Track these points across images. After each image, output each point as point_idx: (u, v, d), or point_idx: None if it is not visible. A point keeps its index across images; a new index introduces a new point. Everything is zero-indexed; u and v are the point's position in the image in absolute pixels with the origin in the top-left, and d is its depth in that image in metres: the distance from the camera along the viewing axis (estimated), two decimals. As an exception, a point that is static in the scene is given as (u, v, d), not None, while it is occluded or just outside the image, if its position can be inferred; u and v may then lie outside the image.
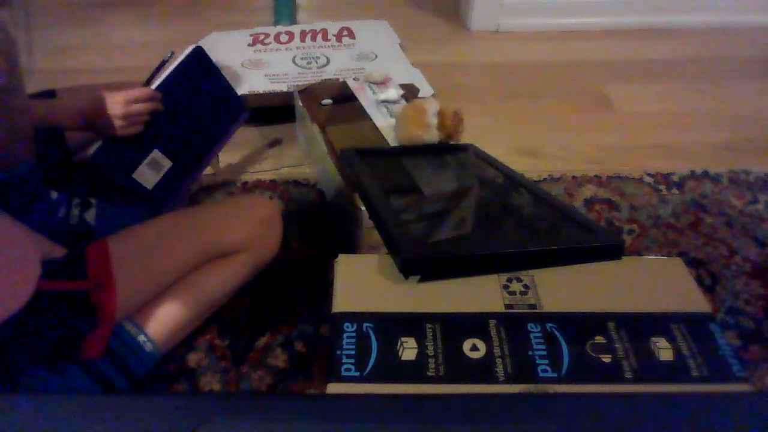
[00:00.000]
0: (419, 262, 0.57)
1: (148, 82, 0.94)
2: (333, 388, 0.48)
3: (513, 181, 0.86)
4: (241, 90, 1.19)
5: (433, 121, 0.90)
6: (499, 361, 0.50)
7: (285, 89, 1.19)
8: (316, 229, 0.98)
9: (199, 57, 0.96)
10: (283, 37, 1.43)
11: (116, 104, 0.84)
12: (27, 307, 0.58)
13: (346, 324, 0.53)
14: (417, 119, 0.92)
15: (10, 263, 0.59)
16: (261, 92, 1.20)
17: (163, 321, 0.70)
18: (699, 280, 0.90)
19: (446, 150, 0.95)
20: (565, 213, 0.75)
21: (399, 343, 0.51)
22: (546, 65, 1.54)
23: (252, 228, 0.77)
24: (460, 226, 0.79)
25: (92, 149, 0.86)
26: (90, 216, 0.83)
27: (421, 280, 0.57)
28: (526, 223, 0.78)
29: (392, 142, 0.96)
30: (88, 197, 0.86)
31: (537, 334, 0.52)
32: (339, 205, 0.96)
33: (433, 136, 0.92)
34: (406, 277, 0.57)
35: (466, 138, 0.99)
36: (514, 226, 0.79)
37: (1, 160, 0.73)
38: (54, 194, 0.80)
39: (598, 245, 0.64)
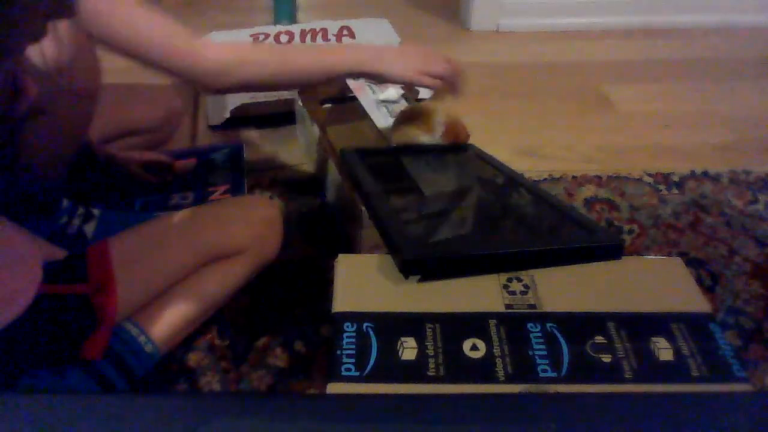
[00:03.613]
0: (419, 262, 0.57)
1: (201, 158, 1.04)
2: (333, 388, 0.48)
3: (513, 181, 0.86)
4: (242, 97, 1.19)
5: (439, 126, 0.91)
6: (499, 361, 0.50)
7: (286, 95, 1.19)
8: (316, 229, 0.98)
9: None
10: (283, 38, 1.43)
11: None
12: (28, 311, 0.58)
13: (346, 324, 0.53)
14: (421, 121, 0.92)
15: (12, 268, 0.59)
16: (262, 100, 1.20)
17: (164, 322, 0.70)
18: (699, 280, 0.90)
19: (446, 150, 0.95)
20: (565, 213, 0.75)
21: (399, 343, 0.51)
22: (546, 65, 1.54)
23: (253, 229, 0.77)
24: (460, 226, 0.79)
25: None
26: (89, 228, 0.84)
27: (421, 280, 0.57)
28: (526, 223, 0.78)
29: (372, 115, 0.96)
30: (92, 207, 0.86)
31: (537, 334, 0.52)
32: (339, 205, 0.96)
33: (433, 139, 0.92)
34: (406, 277, 0.57)
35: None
36: (514, 226, 0.79)
37: (33, 176, 0.73)
38: (65, 202, 0.80)
39: (598, 245, 0.64)
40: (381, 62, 0.79)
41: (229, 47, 0.76)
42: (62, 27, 0.67)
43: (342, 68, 0.79)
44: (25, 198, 0.74)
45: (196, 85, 0.74)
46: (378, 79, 0.80)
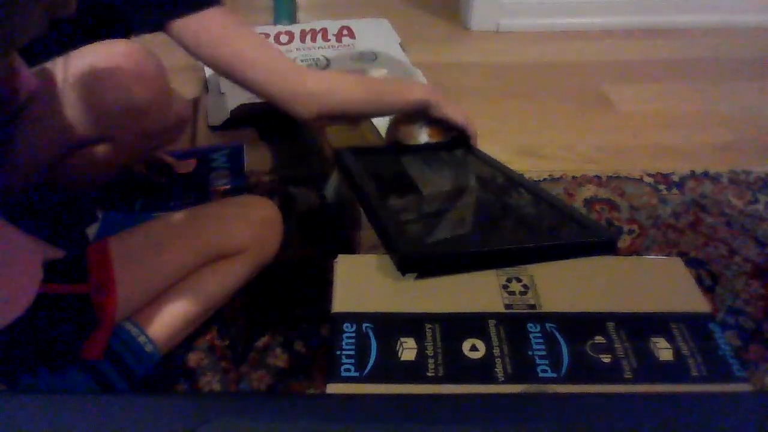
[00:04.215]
0: (416, 259, 0.57)
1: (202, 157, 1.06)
2: (333, 388, 0.48)
3: (507, 177, 0.86)
4: (241, 98, 1.19)
5: (423, 132, 0.92)
6: (498, 361, 0.50)
7: None
8: (316, 229, 0.98)
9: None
10: (283, 38, 1.43)
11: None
12: (28, 310, 0.58)
13: (345, 324, 0.53)
14: (412, 123, 0.93)
15: (13, 268, 0.59)
16: (262, 100, 1.20)
17: (164, 322, 0.70)
18: (699, 280, 0.90)
19: (441, 148, 0.95)
20: (558, 209, 0.75)
21: (398, 344, 0.51)
22: (546, 65, 1.54)
23: (252, 229, 0.77)
24: (457, 224, 0.79)
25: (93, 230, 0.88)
26: (91, 231, 0.84)
27: (418, 278, 0.57)
28: (521, 220, 0.78)
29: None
30: (95, 209, 0.86)
31: (537, 334, 0.52)
32: (339, 205, 0.96)
33: (420, 141, 0.93)
34: (404, 274, 0.57)
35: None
36: (509, 223, 0.79)
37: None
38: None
39: (592, 240, 0.65)
40: (441, 100, 0.87)
41: (324, 75, 0.84)
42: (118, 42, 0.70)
43: (409, 105, 0.87)
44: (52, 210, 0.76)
45: (289, 109, 0.77)
46: (436, 116, 0.88)
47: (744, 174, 1.12)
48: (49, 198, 0.79)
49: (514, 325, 0.53)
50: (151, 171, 1.01)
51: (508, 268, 0.59)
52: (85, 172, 0.79)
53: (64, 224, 0.78)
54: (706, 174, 1.12)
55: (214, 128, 1.22)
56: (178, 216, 0.76)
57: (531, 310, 0.55)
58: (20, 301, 0.58)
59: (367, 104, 0.83)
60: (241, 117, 1.20)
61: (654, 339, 0.52)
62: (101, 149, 0.76)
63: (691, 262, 0.93)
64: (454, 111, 0.89)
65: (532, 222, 0.77)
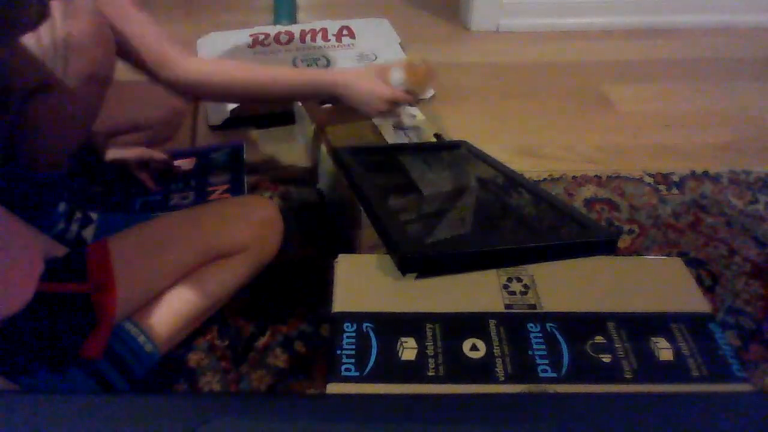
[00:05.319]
0: (416, 258, 0.58)
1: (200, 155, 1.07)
2: (333, 388, 0.48)
3: (507, 177, 0.86)
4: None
5: (397, 77, 0.89)
6: (499, 361, 0.50)
7: None
8: (316, 229, 0.98)
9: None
10: (283, 38, 1.43)
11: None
12: (27, 308, 0.58)
13: (346, 324, 0.53)
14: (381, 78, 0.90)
15: (13, 261, 0.59)
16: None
17: (164, 321, 0.70)
18: (699, 280, 0.90)
19: (439, 147, 0.95)
20: (558, 208, 0.75)
21: (399, 343, 0.51)
22: (546, 65, 1.54)
23: (252, 229, 0.77)
24: (457, 224, 0.79)
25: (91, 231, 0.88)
26: (88, 233, 0.83)
27: (419, 277, 0.57)
28: (521, 220, 0.79)
29: (390, 139, 0.96)
30: (89, 211, 0.85)
31: (537, 334, 0.52)
32: (339, 205, 0.96)
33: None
34: (404, 273, 0.57)
35: (467, 138, 0.99)
36: (508, 222, 0.79)
37: (36, 165, 0.74)
38: (62, 206, 0.80)
39: (592, 240, 0.65)
40: (356, 79, 0.86)
41: (209, 62, 0.88)
42: (82, 8, 0.68)
43: (315, 90, 0.89)
44: (23, 197, 0.74)
45: (172, 91, 0.82)
46: (348, 102, 0.88)
47: (744, 174, 1.12)
48: (14, 181, 0.76)
49: (514, 325, 0.53)
50: (151, 170, 1.00)
51: (508, 268, 0.59)
52: (46, 138, 0.76)
53: (34, 212, 0.77)
54: (706, 174, 1.12)
55: (214, 128, 1.22)
56: (178, 216, 0.76)
57: (531, 310, 0.55)
58: (21, 295, 0.58)
59: (247, 87, 0.86)
60: (241, 117, 1.20)
61: (654, 339, 0.52)
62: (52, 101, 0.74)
63: (691, 262, 0.93)
64: (379, 87, 0.87)
65: (532, 222, 0.77)
